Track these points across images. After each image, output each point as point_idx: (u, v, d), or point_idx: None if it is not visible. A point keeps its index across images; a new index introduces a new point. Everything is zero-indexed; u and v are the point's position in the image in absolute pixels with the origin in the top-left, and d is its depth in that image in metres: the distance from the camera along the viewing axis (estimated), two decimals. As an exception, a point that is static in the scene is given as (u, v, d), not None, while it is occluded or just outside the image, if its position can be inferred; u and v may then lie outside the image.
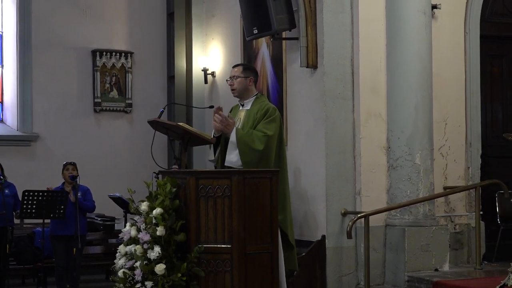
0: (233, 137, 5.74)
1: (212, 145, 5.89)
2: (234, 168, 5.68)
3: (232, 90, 6.05)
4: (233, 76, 6.04)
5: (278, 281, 5.30)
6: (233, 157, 5.73)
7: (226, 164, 5.80)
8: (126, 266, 5.24)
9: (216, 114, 5.75)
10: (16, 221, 8.32)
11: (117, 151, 9.98)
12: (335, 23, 7.02)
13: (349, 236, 6.47)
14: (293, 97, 7.56)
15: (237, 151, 5.69)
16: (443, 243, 6.84)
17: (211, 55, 9.47)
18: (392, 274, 6.81)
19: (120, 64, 10.07)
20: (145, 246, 5.16)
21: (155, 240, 5.14)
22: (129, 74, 10.12)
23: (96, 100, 9.93)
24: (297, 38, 7.18)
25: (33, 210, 7.35)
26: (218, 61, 9.35)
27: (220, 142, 5.89)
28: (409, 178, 6.84)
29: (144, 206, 5.33)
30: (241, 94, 6.03)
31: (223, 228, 5.13)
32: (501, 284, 5.15)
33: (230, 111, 6.17)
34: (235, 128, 5.77)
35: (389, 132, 7.01)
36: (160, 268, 5.08)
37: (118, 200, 8.54)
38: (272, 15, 7.04)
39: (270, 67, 7.98)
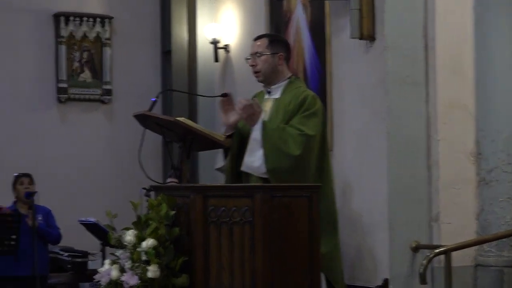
0: (256, 133, 5.76)
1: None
2: (254, 178, 5.70)
3: (255, 72, 6.07)
4: (256, 53, 6.07)
5: None
6: (255, 161, 5.74)
7: (243, 169, 5.81)
8: (105, 322, 5.29)
9: (238, 101, 5.77)
10: None
11: (91, 157, 10.01)
12: (402, -26, 7.04)
13: (423, 280, 6.46)
14: (341, 82, 7.57)
15: (262, 152, 5.70)
16: (559, 292, 6.82)
17: (223, 21, 9.50)
18: (484, 335, 6.80)
19: (95, 34, 10.10)
20: (132, 293, 5.20)
21: (145, 285, 5.17)
22: (107, 48, 10.15)
23: (60, 85, 9.97)
24: (347, -3, 7.20)
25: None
26: (233, 30, 9.37)
27: (233, 142, 5.90)
28: (510, 198, 6.82)
29: (129, 236, 5.37)
30: (267, 78, 6.06)
31: (243, 268, 5.16)
32: None
33: (252, 100, 6.19)
34: (261, 120, 5.78)
35: (479, 131, 6.99)
36: (152, 325, 5.12)
37: (93, 228, 8.57)
38: (312, -37, 7.08)
39: (308, 38, 7.99)
